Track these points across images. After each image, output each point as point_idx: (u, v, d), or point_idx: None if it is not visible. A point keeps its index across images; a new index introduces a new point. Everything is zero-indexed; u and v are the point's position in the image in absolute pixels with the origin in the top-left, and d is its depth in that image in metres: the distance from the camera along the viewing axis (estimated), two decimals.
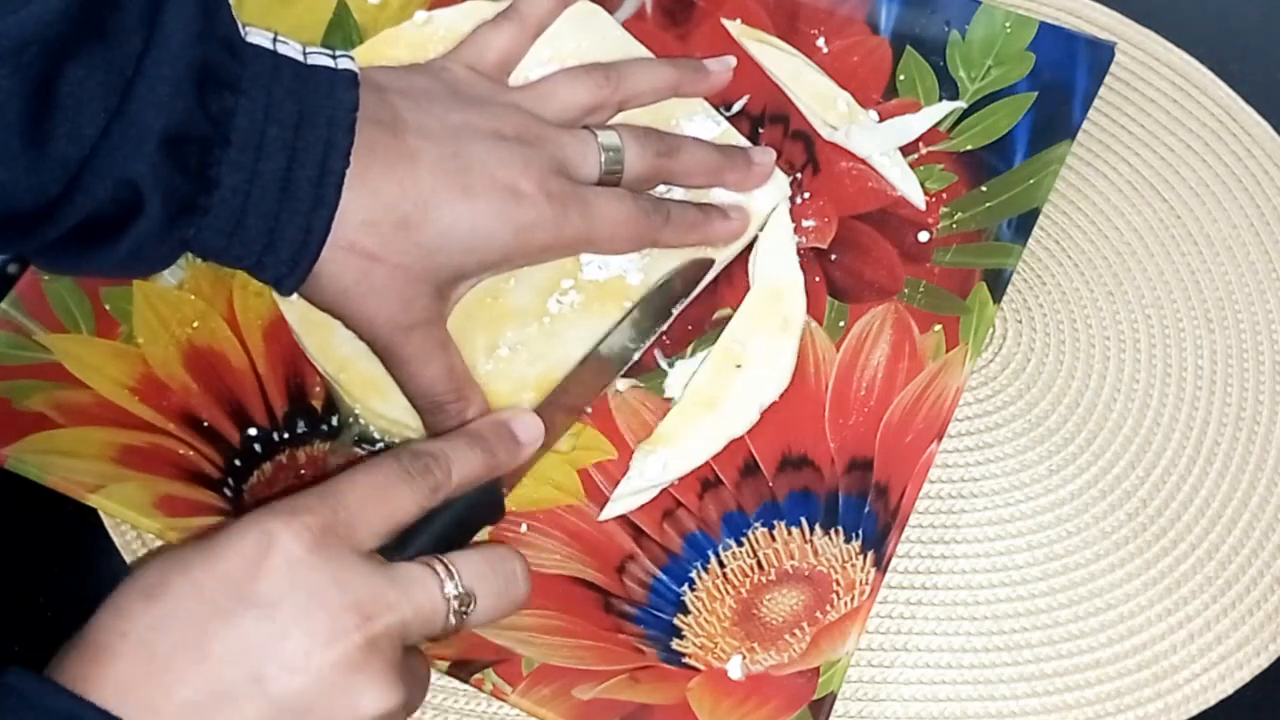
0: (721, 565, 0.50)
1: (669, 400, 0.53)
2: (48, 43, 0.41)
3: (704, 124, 0.57)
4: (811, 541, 0.50)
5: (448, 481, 0.44)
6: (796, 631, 0.49)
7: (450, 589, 0.41)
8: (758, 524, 0.51)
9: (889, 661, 0.50)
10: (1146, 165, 0.59)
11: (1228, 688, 0.50)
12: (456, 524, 0.45)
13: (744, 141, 0.57)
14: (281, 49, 0.47)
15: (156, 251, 0.46)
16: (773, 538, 0.51)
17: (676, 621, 0.50)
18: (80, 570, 0.53)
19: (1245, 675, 0.50)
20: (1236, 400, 0.54)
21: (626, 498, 0.51)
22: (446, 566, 0.41)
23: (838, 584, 0.49)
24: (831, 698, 0.47)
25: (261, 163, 0.45)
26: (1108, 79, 0.59)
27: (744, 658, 0.48)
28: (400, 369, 0.50)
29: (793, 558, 0.50)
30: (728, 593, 0.50)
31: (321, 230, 0.46)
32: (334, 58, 0.48)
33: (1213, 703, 0.49)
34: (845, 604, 0.49)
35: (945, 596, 0.51)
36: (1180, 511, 0.52)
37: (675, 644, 0.49)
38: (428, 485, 0.43)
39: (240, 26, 0.46)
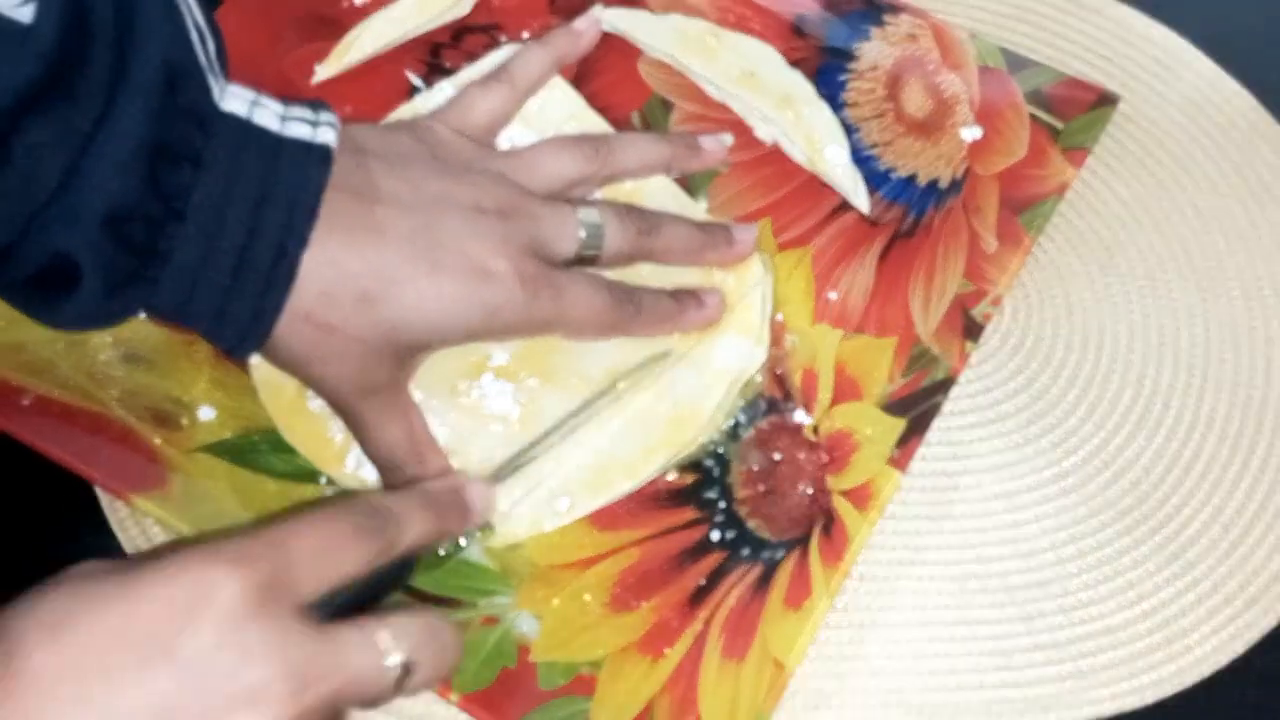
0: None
1: None
2: (15, 94, 0.40)
3: None
4: None
5: (398, 543, 0.41)
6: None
7: (392, 660, 0.38)
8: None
9: (906, 637, 0.50)
10: (1131, 139, 0.60)
11: (1239, 647, 0.50)
12: (373, 583, 0.42)
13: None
14: (258, 115, 0.45)
15: (105, 313, 0.44)
16: None
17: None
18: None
19: (1255, 635, 0.51)
20: (1232, 366, 0.55)
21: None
22: (388, 635, 0.38)
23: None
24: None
25: (217, 240, 0.44)
26: (1088, 55, 0.60)
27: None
28: (360, 431, 0.50)
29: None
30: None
31: (273, 310, 0.45)
32: (314, 124, 0.46)
33: (1224, 663, 0.50)
34: None
35: (957, 571, 0.51)
36: (1183, 477, 0.53)
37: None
38: (379, 546, 0.40)
39: (216, 88, 0.45)
